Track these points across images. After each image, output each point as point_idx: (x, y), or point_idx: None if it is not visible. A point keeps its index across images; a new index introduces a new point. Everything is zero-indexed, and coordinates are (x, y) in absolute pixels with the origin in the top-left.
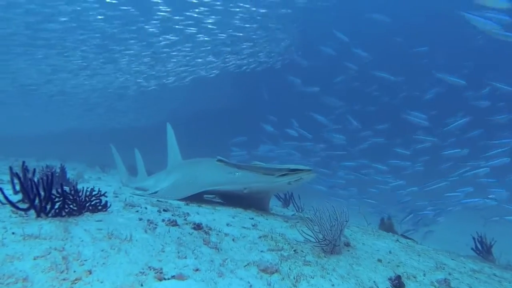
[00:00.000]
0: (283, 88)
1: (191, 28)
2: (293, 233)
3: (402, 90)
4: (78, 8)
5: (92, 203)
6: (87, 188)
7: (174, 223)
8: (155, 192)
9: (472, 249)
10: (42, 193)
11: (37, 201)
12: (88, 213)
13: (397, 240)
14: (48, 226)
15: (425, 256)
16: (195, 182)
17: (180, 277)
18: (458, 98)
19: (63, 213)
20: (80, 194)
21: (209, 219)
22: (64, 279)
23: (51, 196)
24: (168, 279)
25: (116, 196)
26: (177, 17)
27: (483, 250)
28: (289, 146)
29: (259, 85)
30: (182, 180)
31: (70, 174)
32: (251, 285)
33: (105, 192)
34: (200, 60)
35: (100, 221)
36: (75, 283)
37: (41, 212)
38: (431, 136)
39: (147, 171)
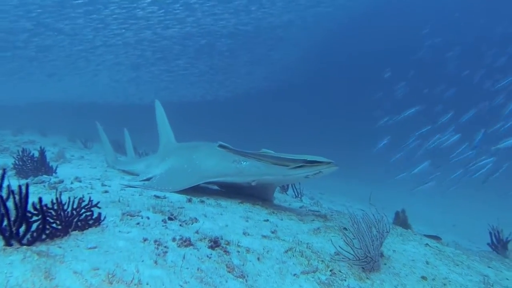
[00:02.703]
0: None
1: None
2: (319, 242)
3: None
4: None
5: (81, 217)
6: (75, 197)
7: (187, 242)
8: (148, 179)
9: (488, 244)
10: (14, 212)
11: (5, 223)
12: (76, 231)
13: (427, 244)
14: (21, 269)
15: (462, 265)
16: (195, 172)
17: None
18: None
19: (43, 236)
20: (66, 206)
21: (221, 226)
22: None
23: (26, 215)
24: None
25: (106, 191)
26: None
27: (499, 245)
28: None
29: None
30: (180, 168)
31: (50, 153)
32: None
33: (98, 203)
34: None
35: (94, 248)
36: None
37: (11, 238)
38: None
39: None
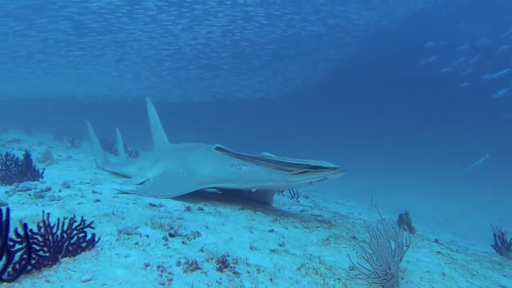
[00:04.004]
0: None
1: None
2: (331, 255)
3: None
4: None
5: (73, 240)
6: (65, 217)
7: (194, 266)
8: (141, 183)
9: (491, 246)
10: None
11: None
12: (67, 258)
13: (438, 252)
14: None
15: (478, 275)
16: (191, 177)
17: None
18: None
19: (29, 267)
20: (55, 229)
21: (225, 239)
22: None
23: (7, 245)
24: None
25: (98, 200)
26: None
27: (503, 247)
28: None
29: None
30: (174, 172)
31: (36, 153)
32: None
33: (91, 222)
34: None
35: (89, 280)
36: None
37: None
38: None
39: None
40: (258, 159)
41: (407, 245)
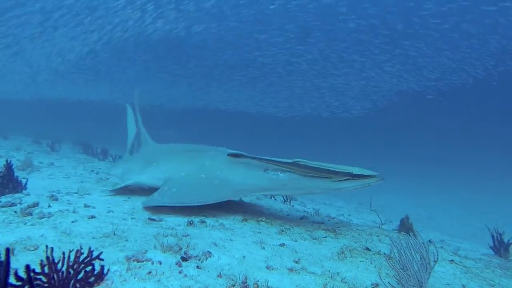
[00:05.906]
0: None
1: None
2: (350, 271)
3: None
4: None
5: (80, 276)
6: (70, 250)
7: None
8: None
9: (490, 247)
10: None
11: None
12: None
13: (451, 260)
14: None
15: (496, 285)
16: (224, 184)
17: None
18: None
19: None
20: (60, 265)
21: (238, 258)
22: None
23: None
24: None
25: (93, 217)
26: None
27: (502, 249)
28: None
29: None
30: (195, 178)
31: (15, 160)
32: None
33: (100, 253)
34: None
35: None
36: None
37: None
38: None
39: None
40: (291, 165)
41: (435, 261)
